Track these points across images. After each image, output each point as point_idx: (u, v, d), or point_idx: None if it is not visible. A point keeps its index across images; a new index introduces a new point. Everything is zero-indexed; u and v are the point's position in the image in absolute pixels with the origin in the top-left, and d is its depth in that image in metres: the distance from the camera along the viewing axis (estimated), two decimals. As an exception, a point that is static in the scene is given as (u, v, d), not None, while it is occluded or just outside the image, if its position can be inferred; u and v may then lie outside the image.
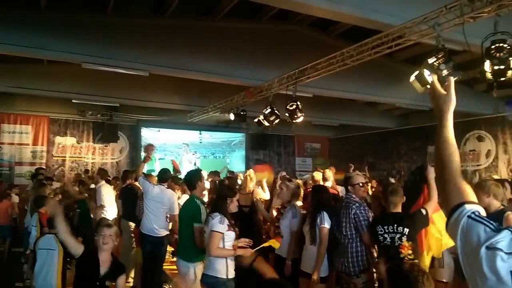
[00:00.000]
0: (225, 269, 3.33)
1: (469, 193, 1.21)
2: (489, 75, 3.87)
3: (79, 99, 10.01)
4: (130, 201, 5.87)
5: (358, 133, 14.16)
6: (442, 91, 1.36)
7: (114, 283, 2.95)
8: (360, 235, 3.46)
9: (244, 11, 8.01)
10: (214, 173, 7.85)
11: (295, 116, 7.21)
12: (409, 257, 2.93)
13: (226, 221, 3.34)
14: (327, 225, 3.67)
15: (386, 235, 3.16)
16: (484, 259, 1.04)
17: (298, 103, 7.30)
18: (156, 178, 5.51)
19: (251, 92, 8.42)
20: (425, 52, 5.22)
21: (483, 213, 1.16)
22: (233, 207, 3.57)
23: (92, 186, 7.37)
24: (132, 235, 5.82)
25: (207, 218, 3.44)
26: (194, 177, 4.04)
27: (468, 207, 1.15)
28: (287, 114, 7.42)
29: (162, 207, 5.06)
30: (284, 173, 5.92)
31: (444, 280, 3.66)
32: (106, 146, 12.23)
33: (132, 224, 5.81)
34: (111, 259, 2.98)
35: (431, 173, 3.19)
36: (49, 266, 3.71)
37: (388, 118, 13.13)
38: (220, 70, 7.79)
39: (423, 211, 3.14)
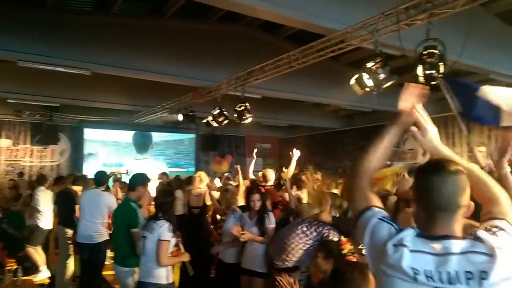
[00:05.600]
0: (166, 274, 3.28)
1: (375, 198, 1.40)
2: (421, 79, 4.13)
3: (15, 99, 9.36)
4: (67, 206, 5.57)
5: (307, 133, 14.52)
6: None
7: None
8: None
9: (192, 11, 7.93)
10: (163, 174, 7.70)
11: (244, 117, 7.26)
12: (351, 252, 3.02)
13: (172, 228, 3.29)
14: (273, 224, 3.78)
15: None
16: (390, 254, 1.19)
17: (247, 104, 7.36)
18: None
19: (200, 92, 8.35)
20: (369, 55, 5.47)
21: (388, 216, 1.33)
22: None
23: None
24: (69, 242, 5.52)
25: (149, 223, 3.34)
26: (137, 179, 3.93)
27: (377, 210, 1.33)
28: (236, 115, 7.45)
29: (98, 211, 4.83)
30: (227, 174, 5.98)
31: None
32: (45, 148, 11.54)
33: (69, 231, 5.52)
34: None
35: None
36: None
37: (334, 119, 13.60)
38: (168, 70, 7.65)
39: None
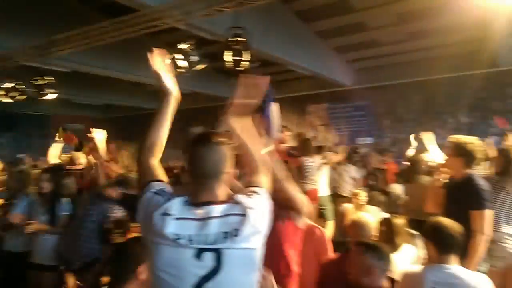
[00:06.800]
0: None
1: (158, 172, 1.46)
2: (229, 65, 4.38)
3: None
4: None
5: (126, 113, 13.83)
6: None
7: None
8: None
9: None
10: None
11: (44, 93, 6.35)
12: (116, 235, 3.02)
13: None
14: (67, 212, 3.41)
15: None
16: (156, 223, 1.29)
17: (50, 78, 6.46)
18: None
19: (-15, 60, 6.87)
20: (188, 36, 5.46)
21: (167, 189, 1.41)
22: None
23: None
24: None
25: None
26: None
27: (154, 184, 1.42)
28: (34, 90, 6.46)
29: None
30: None
31: None
32: None
33: None
34: None
35: None
36: None
37: (155, 99, 13.26)
38: None
39: None
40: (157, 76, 1.60)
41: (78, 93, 10.87)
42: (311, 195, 5.56)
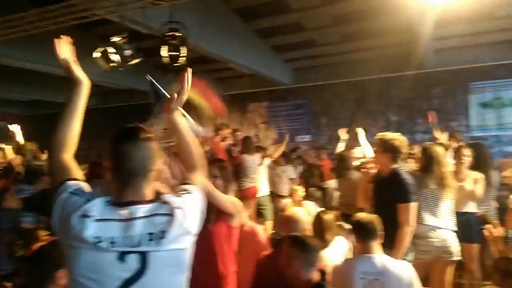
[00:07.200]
0: None
1: (73, 170, 1.36)
2: (166, 60, 4.26)
3: None
4: None
5: (55, 110, 12.97)
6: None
7: None
8: None
9: None
10: None
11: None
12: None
13: None
14: None
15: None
16: (74, 225, 1.19)
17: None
18: None
19: None
20: (122, 30, 5.20)
21: (85, 188, 1.32)
22: None
23: None
24: None
25: None
26: None
27: (70, 183, 1.30)
28: None
29: None
30: None
31: None
32: None
33: None
34: None
35: None
36: None
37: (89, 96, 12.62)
38: None
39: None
40: (65, 65, 1.51)
41: (0, 88, 9.96)
42: (251, 192, 5.60)
